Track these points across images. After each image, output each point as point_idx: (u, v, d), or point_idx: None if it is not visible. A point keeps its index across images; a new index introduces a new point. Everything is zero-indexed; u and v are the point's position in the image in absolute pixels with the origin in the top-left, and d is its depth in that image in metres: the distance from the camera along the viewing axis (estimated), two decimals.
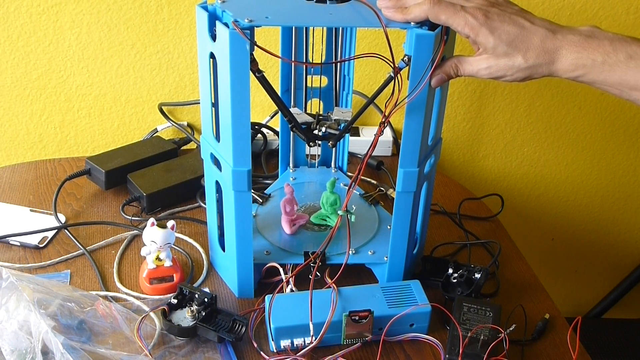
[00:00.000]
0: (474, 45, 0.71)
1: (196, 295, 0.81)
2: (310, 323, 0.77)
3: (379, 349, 0.79)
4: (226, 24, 0.70)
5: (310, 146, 0.82)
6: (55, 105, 1.22)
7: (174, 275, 0.87)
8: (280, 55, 0.94)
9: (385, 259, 0.86)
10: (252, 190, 0.86)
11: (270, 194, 1.00)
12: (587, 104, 1.34)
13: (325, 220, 0.94)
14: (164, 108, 1.25)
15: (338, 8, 0.75)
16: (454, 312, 0.80)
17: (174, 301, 0.80)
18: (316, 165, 1.10)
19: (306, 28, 0.94)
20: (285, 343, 0.78)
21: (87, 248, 0.94)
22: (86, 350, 0.69)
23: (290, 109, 0.80)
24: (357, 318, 0.78)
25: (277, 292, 0.80)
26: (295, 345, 0.78)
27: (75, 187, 1.09)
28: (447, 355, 0.77)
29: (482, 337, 0.77)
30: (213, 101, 0.79)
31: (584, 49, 0.67)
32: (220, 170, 0.81)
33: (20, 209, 1.02)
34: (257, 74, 0.72)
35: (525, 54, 0.67)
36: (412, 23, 0.70)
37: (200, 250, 0.95)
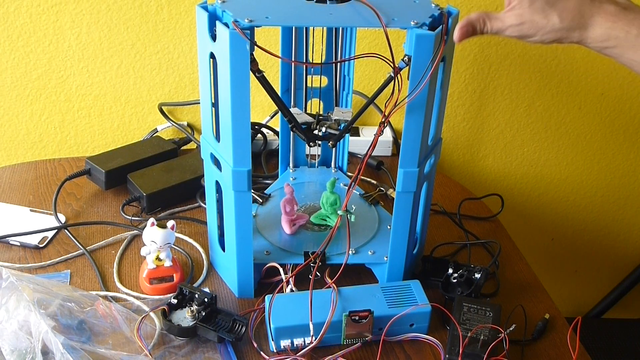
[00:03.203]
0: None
1: (196, 295, 0.81)
2: (310, 323, 0.77)
3: (379, 349, 0.79)
4: (226, 24, 0.70)
5: (310, 146, 0.82)
6: (55, 105, 1.22)
7: (174, 275, 0.87)
8: (280, 55, 0.94)
9: (385, 259, 0.86)
10: (252, 190, 0.86)
11: (270, 194, 1.00)
12: (587, 104, 1.34)
13: (325, 220, 0.94)
14: (164, 108, 1.25)
15: (338, 8, 0.75)
16: (454, 312, 0.80)
17: (174, 301, 0.80)
18: (316, 165, 1.10)
19: (306, 28, 0.94)
20: (285, 343, 0.78)
21: (87, 248, 0.94)
22: (86, 350, 0.69)
23: (290, 109, 0.80)
24: (357, 318, 0.78)
25: (277, 292, 0.80)
26: (295, 345, 0.78)
27: (75, 187, 1.09)
28: (447, 355, 0.77)
29: (482, 337, 0.77)
30: (213, 101, 0.79)
31: (620, 19, 0.65)
32: (220, 170, 0.81)
33: (20, 209, 1.02)
34: (257, 74, 0.72)
35: (562, 14, 0.65)
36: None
37: (200, 250, 0.95)
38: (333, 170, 1.09)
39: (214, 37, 0.73)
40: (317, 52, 0.97)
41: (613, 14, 0.65)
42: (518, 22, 0.66)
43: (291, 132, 1.04)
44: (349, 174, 1.09)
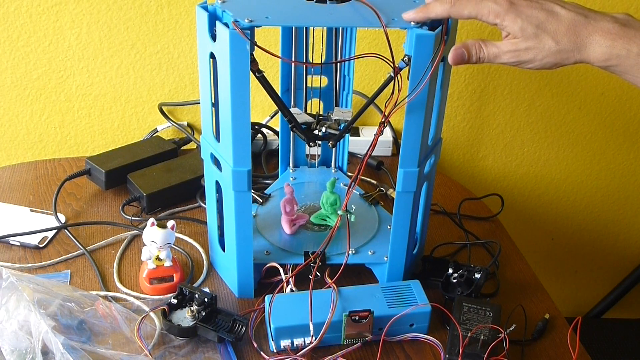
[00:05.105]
0: (503, 32, 0.69)
1: (196, 295, 0.81)
2: (310, 323, 0.77)
3: (379, 349, 0.79)
4: (226, 24, 0.70)
5: (310, 146, 0.82)
6: (55, 105, 1.22)
7: (174, 275, 0.87)
8: (280, 55, 0.94)
9: (385, 259, 0.86)
10: (252, 190, 0.86)
11: (270, 194, 1.00)
12: (587, 104, 1.34)
13: (325, 220, 0.94)
14: (164, 108, 1.25)
15: (338, 8, 0.75)
16: (454, 312, 0.80)
17: (174, 301, 0.80)
18: (316, 165, 1.10)
19: (306, 28, 0.94)
20: (285, 343, 0.78)
21: (87, 248, 0.94)
22: (86, 350, 0.69)
23: (290, 109, 0.80)
24: (357, 318, 0.78)
25: (277, 292, 0.80)
26: (295, 345, 0.78)
27: (75, 187, 1.09)
28: (447, 355, 0.77)
29: (482, 337, 0.77)
30: (213, 101, 0.79)
31: (619, 37, 0.64)
32: (220, 170, 0.81)
33: (20, 209, 1.02)
34: (257, 74, 0.72)
35: (555, 36, 0.65)
36: (413, 23, 0.70)
37: (200, 250, 0.95)
38: (333, 170, 1.09)
39: (214, 37, 0.73)
40: (317, 52, 0.97)
41: (611, 31, 0.64)
42: (513, 48, 0.67)
43: (291, 132, 1.04)
44: (349, 174, 1.09)
